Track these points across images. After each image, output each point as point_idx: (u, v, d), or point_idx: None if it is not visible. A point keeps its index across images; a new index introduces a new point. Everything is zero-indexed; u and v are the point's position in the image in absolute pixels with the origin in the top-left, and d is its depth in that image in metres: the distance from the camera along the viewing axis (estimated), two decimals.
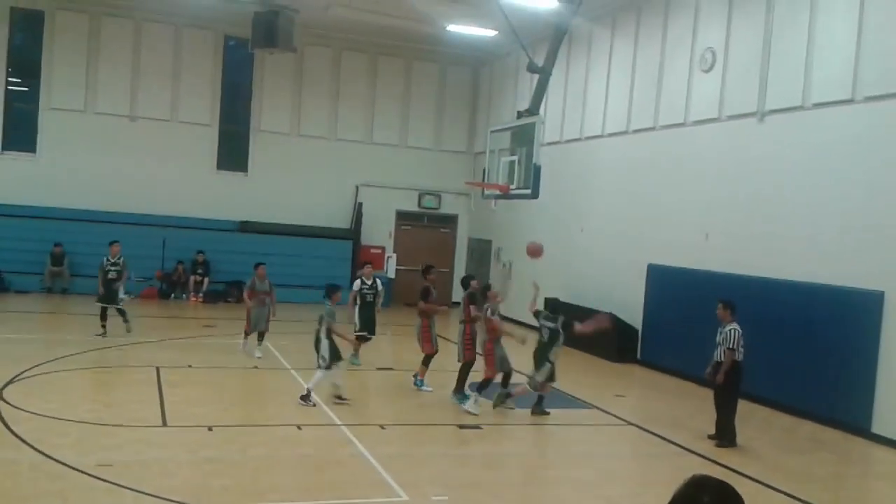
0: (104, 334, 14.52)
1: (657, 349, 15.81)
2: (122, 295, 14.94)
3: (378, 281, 14.08)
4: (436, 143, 25.04)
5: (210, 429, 9.36)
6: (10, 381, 10.81)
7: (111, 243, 15.25)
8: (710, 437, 10.33)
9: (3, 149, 21.57)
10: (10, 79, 21.80)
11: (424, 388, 12.30)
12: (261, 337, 14.00)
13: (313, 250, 22.63)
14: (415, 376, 12.48)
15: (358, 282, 13.84)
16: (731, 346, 10.09)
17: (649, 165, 16.55)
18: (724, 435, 10.22)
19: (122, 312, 14.81)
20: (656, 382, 14.75)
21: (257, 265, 14.26)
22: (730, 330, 10.19)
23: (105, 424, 9.26)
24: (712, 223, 14.61)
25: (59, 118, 21.68)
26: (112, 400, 10.43)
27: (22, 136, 21.74)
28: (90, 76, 21.85)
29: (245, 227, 22.79)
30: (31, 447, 8.14)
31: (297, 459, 8.70)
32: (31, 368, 11.71)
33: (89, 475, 7.42)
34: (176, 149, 22.45)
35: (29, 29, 21.87)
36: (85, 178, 21.51)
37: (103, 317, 14.65)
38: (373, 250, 24.20)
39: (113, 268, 14.83)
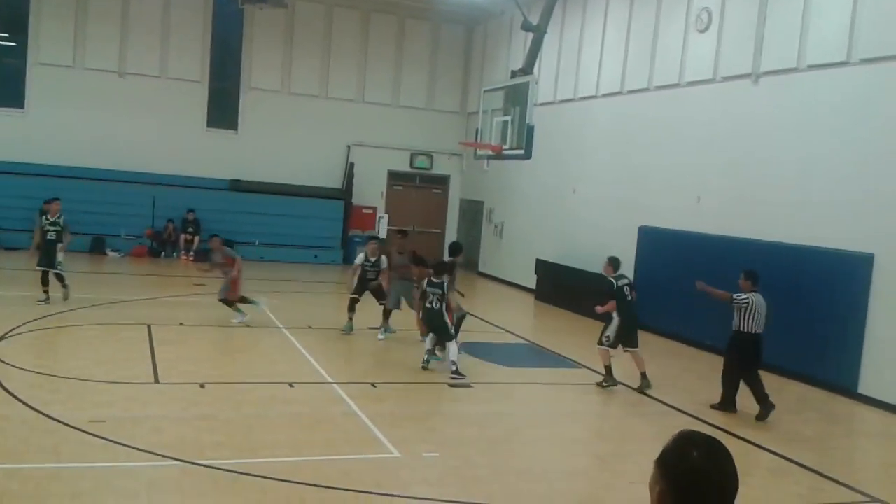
0: (47, 300, 13.38)
1: (647, 311, 15.84)
2: (60, 258, 13.68)
3: (383, 259, 13.20)
4: (428, 103, 24.83)
5: (202, 386, 9.39)
6: (2, 338, 10.80)
7: (49, 201, 13.97)
8: (712, 406, 10.11)
9: None
10: None
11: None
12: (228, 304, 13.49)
13: (304, 210, 22.56)
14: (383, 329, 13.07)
15: (361, 255, 13.34)
16: (737, 300, 9.82)
17: (643, 127, 16.48)
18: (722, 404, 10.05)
19: (60, 277, 13.62)
20: (646, 343, 14.75)
21: (210, 237, 14.09)
22: (748, 296, 9.84)
23: (97, 381, 9.28)
24: (705, 185, 14.60)
25: (47, 73, 21.37)
26: (103, 357, 10.44)
27: (10, 91, 21.44)
28: (78, 31, 21.50)
29: (235, 185, 22.65)
30: (24, 403, 8.15)
31: (289, 417, 8.76)
32: (21, 325, 11.70)
33: (82, 431, 7.45)
34: (166, 106, 22.20)
35: None
36: (74, 135, 21.28)
37: (44, 282, 13.50)
38: (364, 210, 24.16)
39: (52, 227, 13.63)
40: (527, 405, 10.46)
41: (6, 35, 21.76)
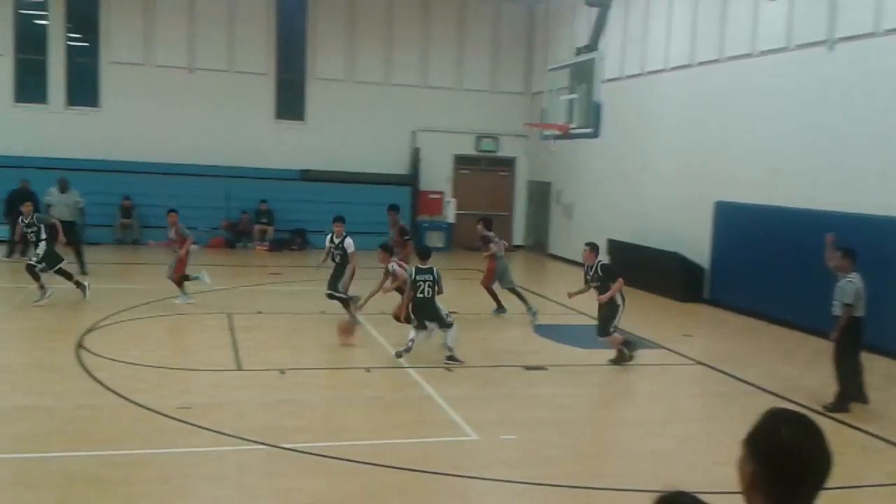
0: (43, 296, 12.92)
1: (726, 288, 15.53)
2: (35, 255, 13.24)
3: (348, 241, 12.21)
4: (492, 85, 24.69)
5: (282, 372, 9.58)
6: (90, 330, 11.22)
7: (23, 203, 13.89)
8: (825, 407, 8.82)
9: (68, 104, 22.04)
10: (69, 35, 22.16)
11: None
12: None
13: (372, 197, 22.69)
14: None
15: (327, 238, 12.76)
16: (848, 302, 8.79)
17: (715, 99, 16.04)
18: (838, 401, 8.86)
19: (63, 274, 13.38)
20: (725, 321, 14.53)
21: (168, 212, 13.96)
22: (846, 282, 8.85)
23: (182, 369, 9.56)
24: (782, 157, 14.14)
25: (119, 72, 22.01)
26: (187, 346, 10.75)
27: (85, 91, 22.15)
28: (147, 29, 22.06)
29: (305, 175, 22.97)
30: (114, 392, 8.46)
31: (366, 401, 8.87)
32: (107, 317, 12.12)
33: (170, 417, 7.69)
34: (235, 99, 22.62)
35: None
36: (149, 131, 21.87)
37: (34, 277, 13.10)
38: (431, 196, 24.21)
39: (28, 230, 13.47)
40: (603, 387, 10.36)
41: (79, 36, 22.46)
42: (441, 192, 24.36)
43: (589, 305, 11.78)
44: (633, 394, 9.95)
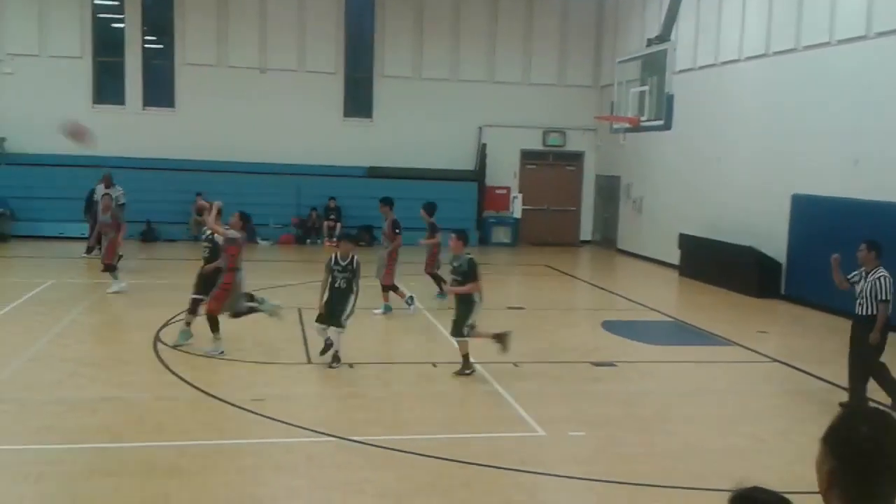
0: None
1: (802, 283, 15.05)
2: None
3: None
4: (560, 79, 24.47)
5: (351, 366, 9.70)
6: (166, 324, 11.55)
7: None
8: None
9: (145, 105, 22.74)
10: (146, 37, 22.84)
11: None
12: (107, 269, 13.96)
13: (439, 193, 22.69)
14: None
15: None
16: (884, 298, 8.40)
17: (792, 89, 15.55)
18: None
19: None
20: (802, 318, 14.10)
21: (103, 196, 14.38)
22: (880, 277, 8.47)
23: (255, 362, 9.76)
24: (862, 148, 13.63)
25: (193, 73, 22.60)
26: (260, 339, 10.95)
27: (162, 92, 22.81)
28: (220, 31, 22.58)
29: (373, 172, 23.19)
30: (190, 384, 8.70)
31: (434, 395, 8.90)
32: (181, 312, 12.43)
33: (244, 409, 7.87)
34: (304, 98, 22.97)
35: None
36: (221, 131, 22.38)
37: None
38: (498, 191, 24.15)
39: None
40: (674, 383, 10.16)
41: (154, 38, 23.14)
42: (507, 188, 24.28)
43: (661, 301, 11.60)
44: (705, 391, 9.73)
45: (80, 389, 8.54)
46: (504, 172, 24.28)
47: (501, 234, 23.59)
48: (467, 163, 24.06)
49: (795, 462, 6.74)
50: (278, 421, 7.57)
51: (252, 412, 7.78)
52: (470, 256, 9.74)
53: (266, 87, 22.84)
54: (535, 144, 24.62)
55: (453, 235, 9.83)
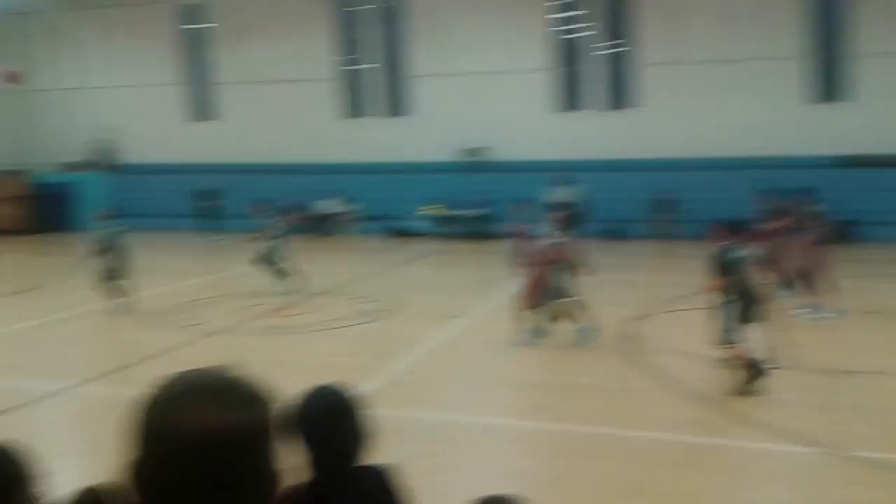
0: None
1: None
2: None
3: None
4: None
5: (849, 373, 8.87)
6: (637, 318, 11.76)
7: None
8: None
9: (605, 109, 23.55)
10: (604, 44, 23.57)
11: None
12: None
13: None
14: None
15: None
16: None
17: None
18: None
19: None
20: None
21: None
22: None
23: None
24: None
25: (651, 73, 22.76)
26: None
27: (619, 95, 23.41)
28: (678, 27, 22.40)
29: (851, 161, 20.84)
30: (658, 378, 8.79)
31: None
32: (658, 307, 12.59)
33: (720, 408, 7.69)
34: (764, 86, 21.75)
35: None
36: (684, 128, 22.20)
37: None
38: None
39: None
40: None
41: (612, 43, 23.67)
42: None
43: None
44: None
45: None
46: None
47: None
48: None
49: None
50: (758, 425, 7.27)
51: (730, 412, 7.57)
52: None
53: (725, 79, 22.07)
54: None
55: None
